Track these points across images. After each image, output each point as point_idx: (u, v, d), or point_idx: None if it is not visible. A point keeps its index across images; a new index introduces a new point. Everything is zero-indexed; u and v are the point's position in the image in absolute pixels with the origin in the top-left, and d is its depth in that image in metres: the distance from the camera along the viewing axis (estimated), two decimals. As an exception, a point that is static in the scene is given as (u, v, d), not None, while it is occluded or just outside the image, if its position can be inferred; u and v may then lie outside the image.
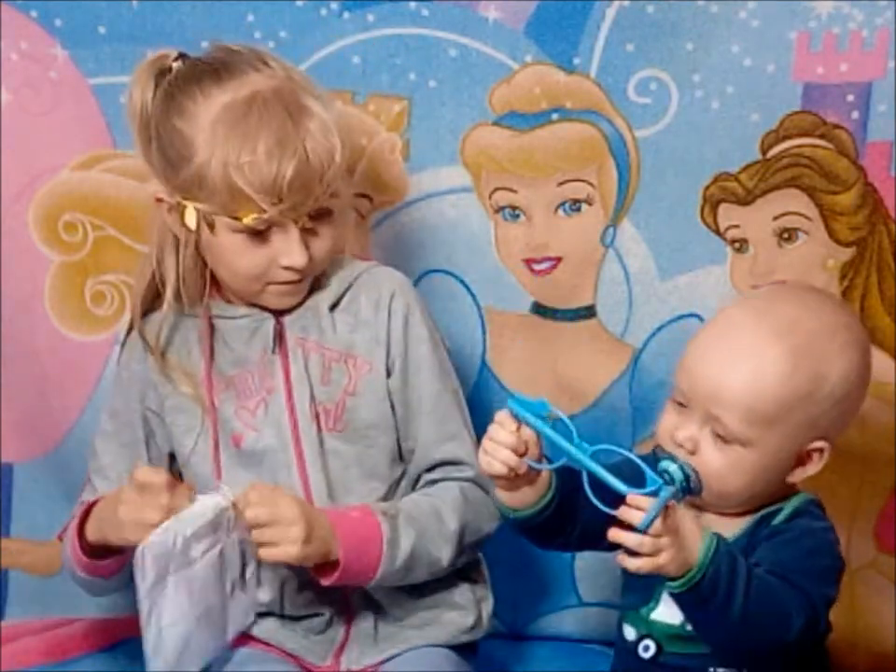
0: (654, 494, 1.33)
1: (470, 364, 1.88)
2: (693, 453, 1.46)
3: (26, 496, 2.00)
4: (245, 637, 1.69)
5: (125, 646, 1.85)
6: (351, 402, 1.66)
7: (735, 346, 1.45)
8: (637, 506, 1.34)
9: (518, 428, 1.42)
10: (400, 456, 1.69)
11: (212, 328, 1.68)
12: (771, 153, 1.79)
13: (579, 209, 1.84)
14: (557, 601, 1.93)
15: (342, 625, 1.67)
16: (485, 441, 1.44)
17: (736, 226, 1.82)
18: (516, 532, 1.52)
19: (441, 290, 1.85)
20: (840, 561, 1.48)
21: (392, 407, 1.67)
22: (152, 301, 1.69)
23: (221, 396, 1.67)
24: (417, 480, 1.69)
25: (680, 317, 1.84)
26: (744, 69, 1.77)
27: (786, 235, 1.82)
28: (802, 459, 1.48)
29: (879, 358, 1.81)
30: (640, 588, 1.49)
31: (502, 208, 1.86)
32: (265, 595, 1.66)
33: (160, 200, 1.63)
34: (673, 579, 1.39)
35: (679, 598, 1.42)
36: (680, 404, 1.47)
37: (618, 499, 1.35)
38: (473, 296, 1.88)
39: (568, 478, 1.44)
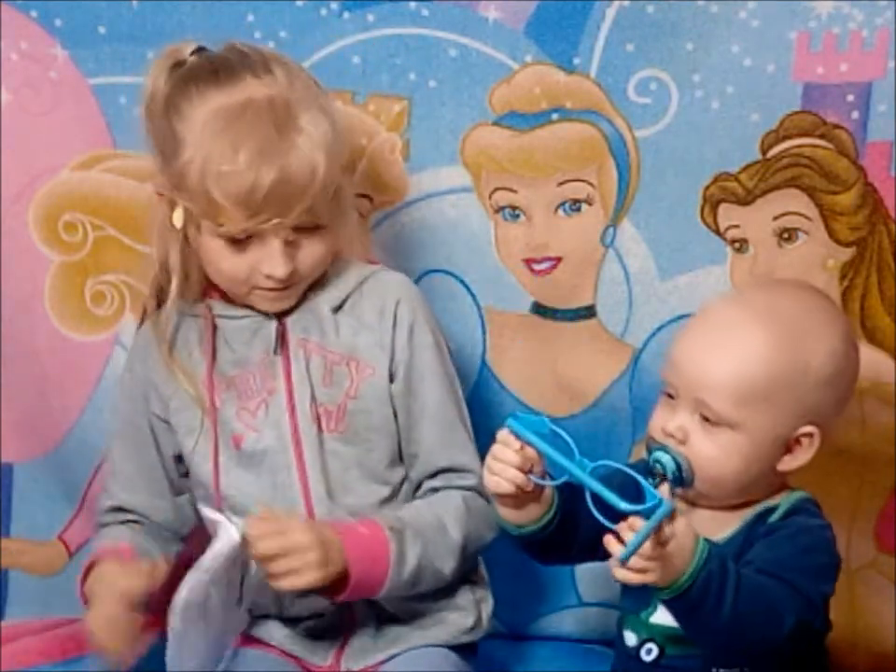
0: (654, 509, 1.33)
1: (470, 364, 1.88)
2: (683, 442, 1.47)
3: (26, 496, 2.00)
4: (245, 638, 1.70)
5: (125, 646, 1.85)
6: (353, 405, 1.66)
7: (717, 332, 1.49)
8: (635, 529, 1.34)
9: (522, 447, 1.42)
10: (401, 459, 1.69)
11: (214, 327, 1.68)
12: (771, 153, 1.79)
13: (579, 209, 1.84)
14: (557, 601, 1.93)
15: (342, 626, 1.67)
16: (491, 462, 1.44)
17: (736, 226, 1.82)
18: (518, 548, 1.53)
19: (441, 290, 1.85)
20: (837, 558, 1.49)
21: (394, 412, 1.67)
22: (159, 296, 1.69)
23: (222, 396, 1.67)
24: (419, 486, 1.69)
25: (680, 317, 1.83)
26: (744, 69, 1.77)
27: (786, 235, 1.82)
28: (791, 445, 1.48)
29: (879, 358, 1.82)
30: (639, 592, 1.49)
31: (502, 208, 1.86)
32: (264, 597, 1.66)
33: (160, 194, 1.63)
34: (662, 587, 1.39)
35: (667, 603, 1.43)
36: (669, 396, 1.50)
37: (619, 512, 1.35)
38: (473, 296, 1.88)
39: (569, 493, 1.45)
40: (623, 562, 1.33)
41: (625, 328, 1.87)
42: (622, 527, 1.34)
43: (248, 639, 1.69)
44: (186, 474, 1.71)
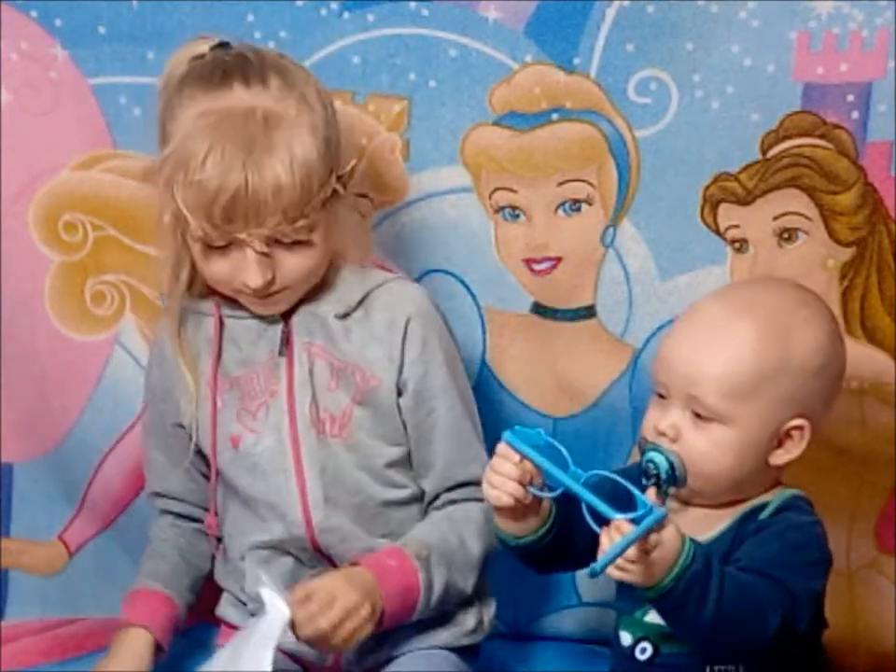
0: (643, 517, 1.34)
1: (470, 364, 1.87)
2: (675, 440, 1.48)
3: (26, 496, 2.00)
4: (246, 637, 1.70)
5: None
6: (358, 412, 1.65)
7: (704, 329, 1.50)
8: (621, 531, 1.35)
9: (521, 459, 1.44)
10: (409, 465, 1.69)
11: (222, 325, 1.68)
12: (771, 153, 1.79)
13: (579, 209, 1.84)
14: (557, 601, 1.93)
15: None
16: (491, 475, 1.46)
17: (736, 226, 1.82)
18: (516, 559, 1.54)
19: (441, 290, 1.85)
20: (827, 554, 1.49)
21: (403, 424, 1.67)
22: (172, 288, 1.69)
23: (225, 396, 1.67)
24: (436, 496, 1.69)
25: (680, 318, 1.84)
26: (744, 69, 1.77)
27: (786, 235, 1.82)
28: (782, 439, 1.49)
29: (879, 359, 1.82)
30: (633, 592, 1.49)
31: (502, 208, 1.86)
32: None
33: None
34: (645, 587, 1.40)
35: (650, 602, 1.44)
36: (661, 396, 1.51)
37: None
38: (473, 296, 1.88)
39: (565, 502, 1.46)
40: (602, 567, 1.33)
41: (625, 328, 1.87)
42: (608, 529, 1.35)
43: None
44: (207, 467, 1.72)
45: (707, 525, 1.50)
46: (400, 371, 1.65)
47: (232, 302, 1.67)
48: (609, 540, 1.34)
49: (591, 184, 1.83)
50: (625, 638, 1.55)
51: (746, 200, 1.81)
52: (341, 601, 1.53)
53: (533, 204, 1.85)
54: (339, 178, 1.61)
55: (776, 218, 1.81)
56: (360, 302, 1.66)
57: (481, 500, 1.62)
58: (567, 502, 1.45)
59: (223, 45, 1.63)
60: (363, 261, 1.69)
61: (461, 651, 1.69)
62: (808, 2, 1.74)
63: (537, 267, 1.87)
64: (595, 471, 1.40)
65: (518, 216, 1.86)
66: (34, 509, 2.00)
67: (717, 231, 1.83)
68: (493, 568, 1.72)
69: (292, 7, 1.83)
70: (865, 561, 1.89)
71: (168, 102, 1.60)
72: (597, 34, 1.79)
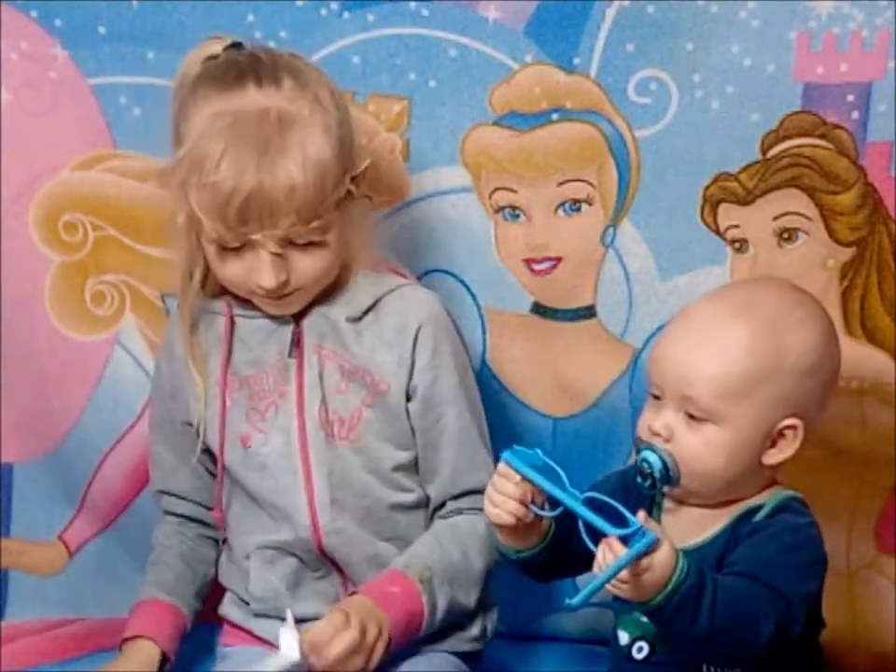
0: (633, 535, 1.36)
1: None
2: (669, 440, 1.48)
3: (26, 496, 2.00)
4: (247, 636, 1.70)
5: (125, 646, 1.85)
6: (367, 414, 1.65)
7: (698, 329, 1.50)
8: (613, 550, 1.36)
9: (521, 479, 1.45)
10: (416, 469, 1.69)
11: (232, 325, 1.68)
12: (771, 153, 1.79)
13: (579, 209, 1.84)
14: (557, 601, 1.93)
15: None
16: (492, 494, 1.46)
17: (736, 226, 1.82)
18: (516, 570, 1.54)
19: (441, 290, 1.85)
20: (823, 555, 1.49)
21: (411, 429, 1.67)
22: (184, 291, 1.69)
23: (234, 395, 1.67)
24: (442, 504, 1.69)
25: (680, 317, 1.83)
26: (744, 69, 1.77)
27: (786, 235, 1.82)
28: (776, 438, 1.49)
29: (879, 359, 1.82)
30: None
31: (502, 208, 1.86)
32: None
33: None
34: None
35: (644, 613, 1.44)
36: (655, 397, 1.51)
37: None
38: (473, 296, 1.88)
39: (563, 515, 1.46)
40: (581, 602, 1.34)
41: (625, 328, 1.87)
42: (600, 548, 1.36)
43: (250, 637, 1.70)
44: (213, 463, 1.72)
45: (703, 525, 1.51)
46: (410, 377, 1.65)
47: (244, 302, 1.67)
48: (603, 558, 1.36)
49: (591, 184, 1.83)
50: (622, 637, 1.55)
51: (746, 200, 1.81)
52: (348, 633, 1.53)
53: (533, 204, 1.85)
54: (353, 179, 1.61)
55: (776, 218, 1.81)
56: (372, 307, 1.66)
57: None
58: (565, 514, 1.45)
59: (236, 45, 1.63)
60: (377, 265, 1.69)
61: (463, 656, 1.69)
62: (808, 2, 1.74)
63: (537, 267, 1.87)
64: (590, 493, 1.41)
65: (518, 216, 1.86)
66: (34, 509, 2.00)
67: (717, 231, 1.83)
68: (493, 569, 1.72)
69: (292, 7, 1.83)
70: (865, 561, 1.89)
71: (182, 103, 1.60)
72: (597, 34, 1.79)
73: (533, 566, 1.53)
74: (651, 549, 1.36)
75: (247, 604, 1.71)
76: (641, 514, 1.39)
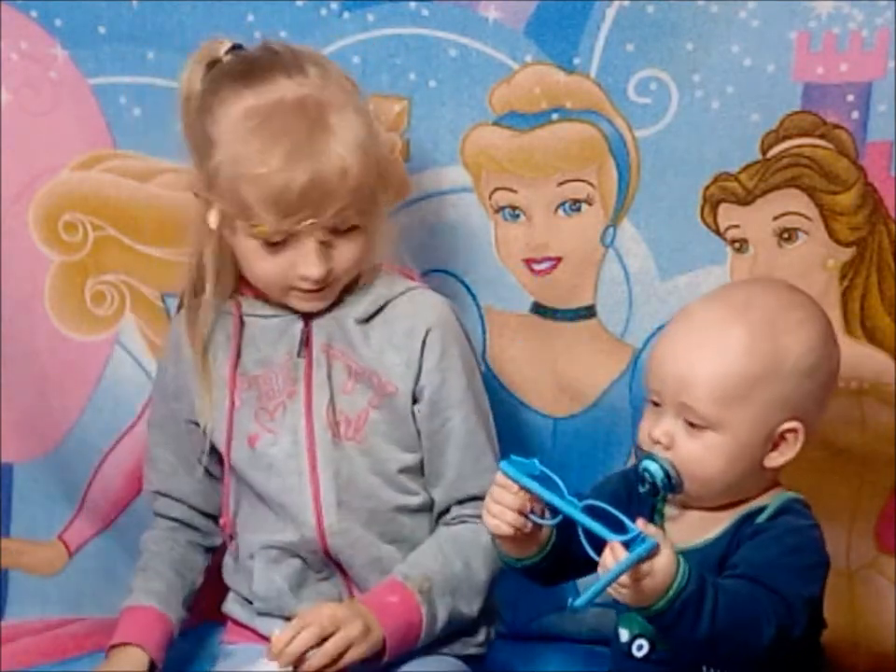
0: (632, 541, 1.36)
1: (470, 364, 1.87)
2: (669, 447, 1.48)
3: (26, 496, 2.00)
4: (247, 635, 1.70)
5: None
6: (374, 415, 1.65)
7: (695, 333, 1.49)
8: (616, 555, 1.36)
9: (519, 489, 1.44)
10: (422, 472, 1.69)
11: (241, 325, 1.68)
12: (771, 153, 1.79)
13: (579, 209, 1.84)
14: (557, 601, 1.92)
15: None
16: (491, 505, 1.46)
17: (736, 226, 1.82)
18: (520, 576, 1.54)
19: (442, 290, 1.85)
20: (825, 557, 1.49)
21: (418, 431, 1.67)
22: (191, 293, 1.69)
23: (243, 395, 1.67)
24: (447, 509, 1.68)
25: (680, 317, 1.83)
26: (744, 69, 1.77)
27: (786, 235, 1.82)
28: (776, 441, 1.49)
29: (879, 359, 1.82)
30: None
31: (502, 208, 1.86)
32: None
33: (196, 194, 1.63)
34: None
35: (645, 619, 1.44)
36: (655, 404, 1.50)
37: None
38: (473, 296, 1.88)
39: (564, 525, 1.46)
40: (584, 603, 1.34)
41: (625, 328, 1.87)
42: (604, 555, 1.36)
43: (251, 636, 1.70)
44: (220, 464, 1.72)
45: (705, 527, 1.50)
46: (417, 379, 1.65)
47: (253, 302, 1.67)
48: (606, 562, 1.36)
49: (591, 184, 1.83)
50: (623, 635, 1.55)
51: (746, 200, 1.81)
52: (325, 611, 1.55)
53: (533, 204, 1.85)
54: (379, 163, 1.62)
55: (776, 218, 1.81)
56: (381, 309, 1.66)
57: None
58: (565, 520, 1.45)
59: (238, 46, 1.63)
60: (387, 267, 1.69)
61: (466, 659, 1.69)
62: (808, 2, 1.74)
63: (537, 267, 1.87)
64: (589, 501, 1.40)
65: (518, 216, 1.86)
66: (34, 509, 2.00)
67: (717, 231, 1.83)
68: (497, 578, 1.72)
69: (292, 7, 1.83)
70: (865, 561, 1.89)
71: (201, 108, 1.60)
72: (597, 34, 1.79)
73: (536, 573, 1.53)
74: (650, 554, 1.36)
75: (250, 603, 1.71)
76: (640, 521, 1.39)
